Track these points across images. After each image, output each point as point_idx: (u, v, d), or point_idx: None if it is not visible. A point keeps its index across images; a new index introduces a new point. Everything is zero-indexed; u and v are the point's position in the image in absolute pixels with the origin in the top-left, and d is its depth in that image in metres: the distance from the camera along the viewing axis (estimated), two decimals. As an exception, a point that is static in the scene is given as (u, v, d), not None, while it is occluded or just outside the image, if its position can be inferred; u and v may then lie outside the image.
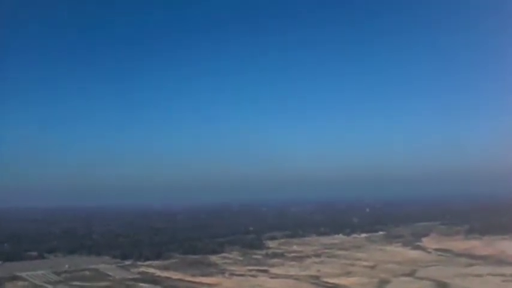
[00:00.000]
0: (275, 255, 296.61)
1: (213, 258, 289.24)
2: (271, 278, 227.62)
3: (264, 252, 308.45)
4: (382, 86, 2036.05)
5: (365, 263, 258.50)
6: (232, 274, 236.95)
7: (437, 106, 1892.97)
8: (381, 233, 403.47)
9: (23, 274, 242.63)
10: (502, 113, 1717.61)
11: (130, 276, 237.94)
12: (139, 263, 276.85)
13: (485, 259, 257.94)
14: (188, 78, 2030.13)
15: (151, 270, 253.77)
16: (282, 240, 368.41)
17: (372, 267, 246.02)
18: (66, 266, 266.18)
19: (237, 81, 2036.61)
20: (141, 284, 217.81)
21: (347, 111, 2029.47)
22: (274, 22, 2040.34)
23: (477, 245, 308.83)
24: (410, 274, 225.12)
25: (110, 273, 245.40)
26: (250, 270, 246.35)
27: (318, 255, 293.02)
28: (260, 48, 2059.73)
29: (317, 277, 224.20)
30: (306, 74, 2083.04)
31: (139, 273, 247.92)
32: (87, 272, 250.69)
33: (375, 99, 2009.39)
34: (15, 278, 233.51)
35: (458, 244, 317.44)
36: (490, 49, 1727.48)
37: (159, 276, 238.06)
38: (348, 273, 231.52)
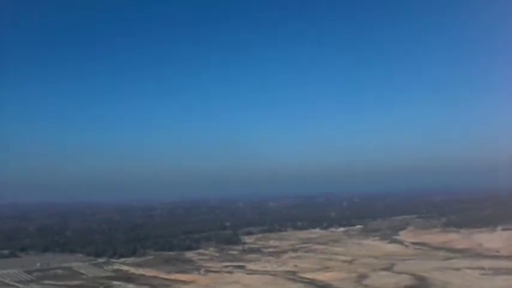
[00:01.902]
0: (252, 250, 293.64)
1: (189, 254, 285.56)
2: (248, 274, 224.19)
3: (240, 247, 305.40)
4: (359, 81, 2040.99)
5: (343, 258, 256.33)
6: (208, 271, 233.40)
7: (414, 100, 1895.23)
8: (358, 226, 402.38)
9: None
10: (484, 107, 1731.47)
11: (103, 274, 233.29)
12: (113, 260, 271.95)
13: (463, 252, 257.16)
14: (168, 75, 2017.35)
15: (125, 267, 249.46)
16: (259, 235, 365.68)
17: (350, 262, 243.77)
18: (38, 264, 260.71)
19: (215, 77, 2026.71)
20: (115, 282, 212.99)
21: (324, 107, 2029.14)
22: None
23: (454, 238, 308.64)
24: (389, 268, 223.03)
25: (83, 271, 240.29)
26: (227, 267, 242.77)
27: (295, 250, 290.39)
28: (239, 44, 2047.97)
29: (294, 272, 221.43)
30: (283, 70, 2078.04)
31: (113, 270, 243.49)
32: (59, 271, 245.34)
33: (351, 94, 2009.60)
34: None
35: (436, 237, 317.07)
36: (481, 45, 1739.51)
37: (133, 273, 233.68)
38: (326, 268, 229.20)
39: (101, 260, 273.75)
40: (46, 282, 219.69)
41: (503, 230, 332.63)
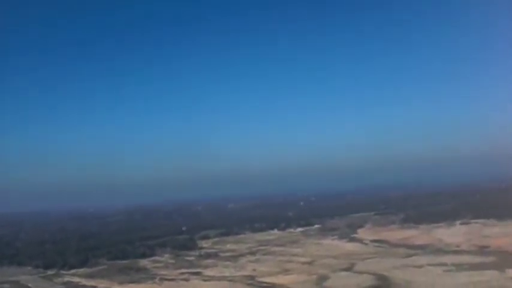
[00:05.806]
0: (208, 255, 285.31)
1: (143, 262, 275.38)
2: (205, 280, 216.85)
3: (196, 253, 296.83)
4: (319, 80, 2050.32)
5: (302, 259, 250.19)
6: (163, 279, 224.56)
7: (371, 99, 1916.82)
8: (316, 226, 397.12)
9: None
10: (450, 103, 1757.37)
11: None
12: (63, 272, 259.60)
13: (423, 248, 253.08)
14: (129, 79, 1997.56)
15: (76, 279, 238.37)
16: (216, 239, 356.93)
17: (310, 263, 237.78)
18: None
19: (171, 79, 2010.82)
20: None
21: (281, 106, 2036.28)
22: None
23: (414, 234, 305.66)
24: (349, 268, 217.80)
25: (31, 285, 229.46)
26: (183, 274, 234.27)
27: (253, 253, 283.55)
28: (189, 46, 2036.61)
29: (252, 277, 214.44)
30: (240, 71, 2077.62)
31: (63, 283, 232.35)
32: (6, 285, 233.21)
33: (308, 93, 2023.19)
34: None
35: (395, 234, 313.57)
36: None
37: (84, 285, 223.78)
38: (285, 271, 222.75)
39: (50, 272, 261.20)
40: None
41: (462, 224, 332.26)
